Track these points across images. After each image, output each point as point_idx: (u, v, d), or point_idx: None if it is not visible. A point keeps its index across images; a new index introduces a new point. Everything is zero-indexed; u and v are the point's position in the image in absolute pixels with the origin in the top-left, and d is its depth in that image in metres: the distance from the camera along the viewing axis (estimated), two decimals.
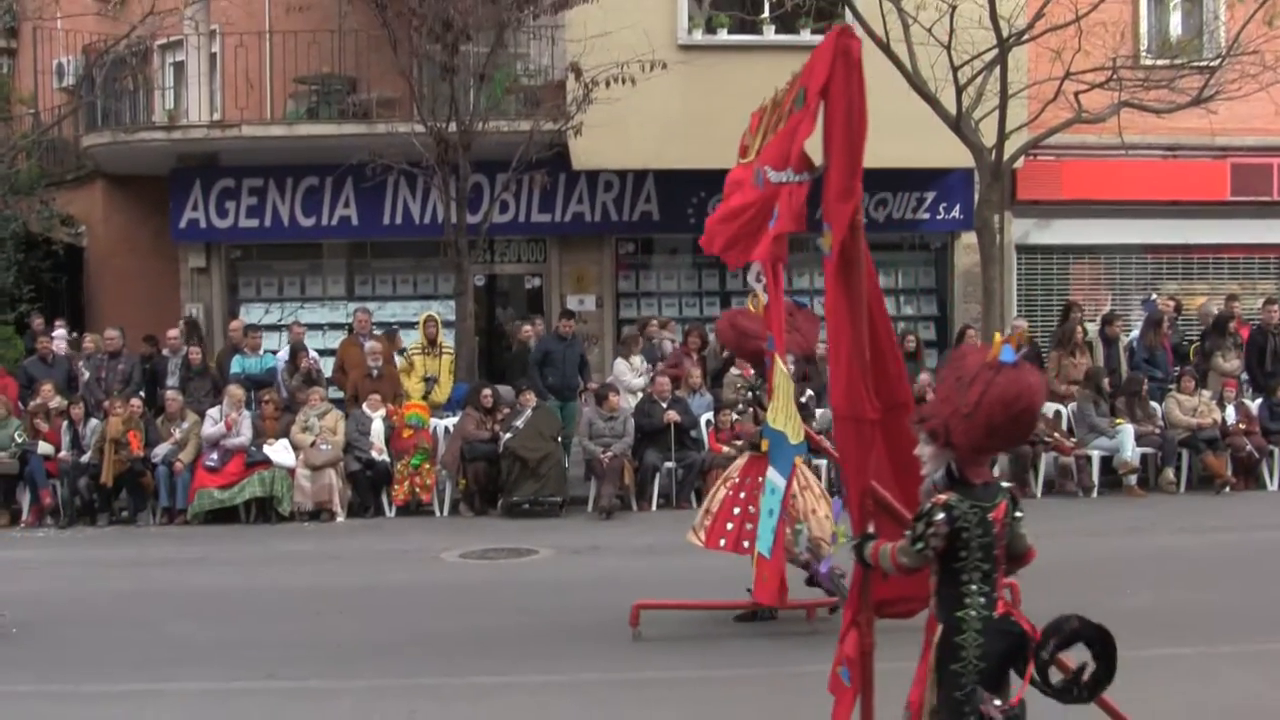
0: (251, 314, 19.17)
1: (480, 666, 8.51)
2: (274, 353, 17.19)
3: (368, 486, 14.93)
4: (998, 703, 5.11)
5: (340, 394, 16.14)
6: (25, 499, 14.93)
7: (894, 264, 19.90)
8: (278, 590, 11.32)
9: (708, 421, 15.41)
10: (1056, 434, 15.48)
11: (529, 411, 15.09)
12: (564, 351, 16.38)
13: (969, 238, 18.17)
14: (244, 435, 14.89)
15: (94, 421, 15.09)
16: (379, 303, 19.35)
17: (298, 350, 16.43)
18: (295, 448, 14.90)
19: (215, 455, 14.76)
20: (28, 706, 8.04)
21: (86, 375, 16.22)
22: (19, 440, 14.82)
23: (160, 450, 14.84)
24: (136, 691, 8.17)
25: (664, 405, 15.21)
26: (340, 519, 14.69)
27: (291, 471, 14.73)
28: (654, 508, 14.93)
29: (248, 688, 8.19)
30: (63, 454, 14.93)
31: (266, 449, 14.91)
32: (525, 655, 8.81)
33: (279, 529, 14.55)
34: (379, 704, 7.71)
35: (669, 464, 15.00)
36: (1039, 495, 15.15)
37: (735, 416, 14.43)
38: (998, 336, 5.33)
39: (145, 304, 19.04)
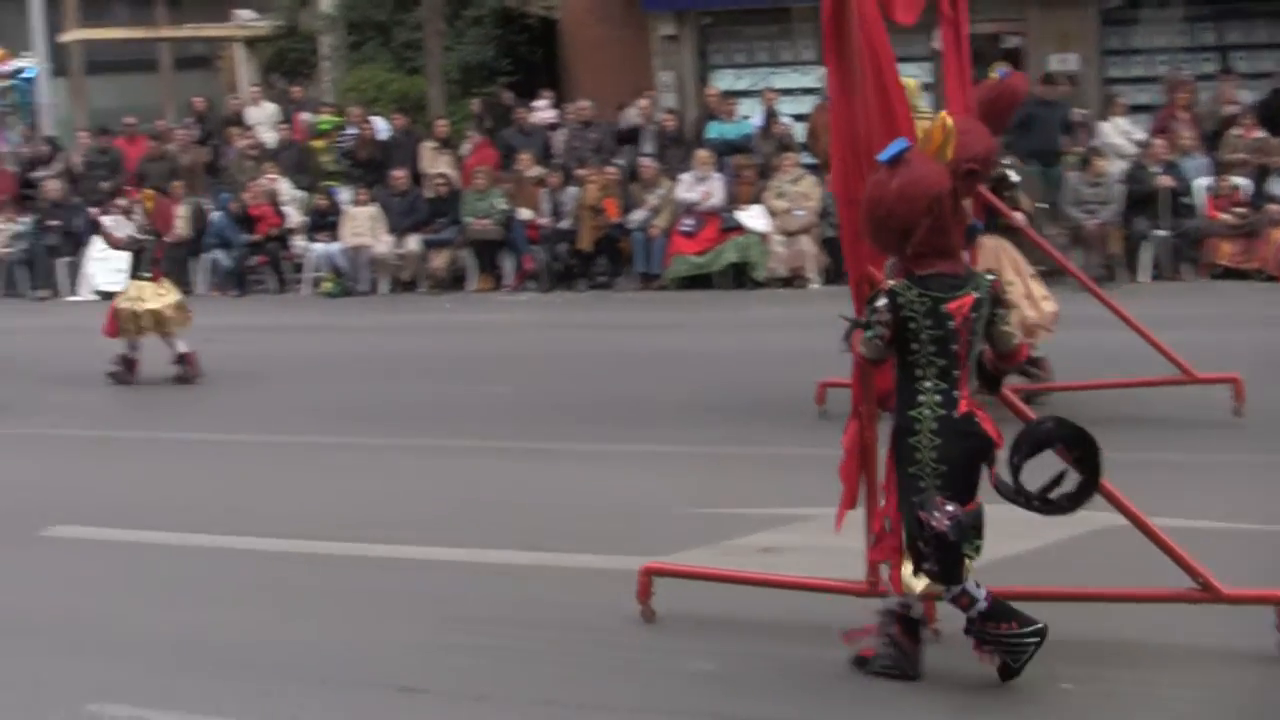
0: (722, 81, 20.89)
1: None
2: (748, 118, 19.11)
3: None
4: (950, 508, 5.35)
5: (814, 160, 18.00)
6: (508, 264, 17.74)
7: None
8: (747, 353, 12.91)
9: (1207, 187, 16.05)
10: None
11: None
12: (1046, 114, 17.05)
13: None
14: (718, 199, 17.22)
15: (572, 189, 17.64)
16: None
17: (772, 116, 18.41)
18: (770, 213, 17.05)
19: (690, 221, 17.02)
20: (510, 462, 9.78)
21: (563, 144, 18.92)
22: (501, 207, 17.58)
23: (636, 216, 17.19)
24: (602, 453, 9.74)
25: (1157, 170, 15.97)
26: (815, 285, 16.51)
27: (765, 237, 16.83)
28: (1146, 279, 15.91)
29: (693, 451, 9.46)
30: (543, 220, 17.61)
31: (741, 214, 17.11)
32: None
33: (753, 295, 16.48)
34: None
35: (1160, 232, 15.95)
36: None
37: (1234, 182, 15.11)
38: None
39: (617, 72, 21.45)
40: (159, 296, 13.21)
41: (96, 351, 13.57)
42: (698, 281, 16.93)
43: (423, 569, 7.46)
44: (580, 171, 17.71)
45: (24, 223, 19.80)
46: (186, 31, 27.03)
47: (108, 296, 18.21)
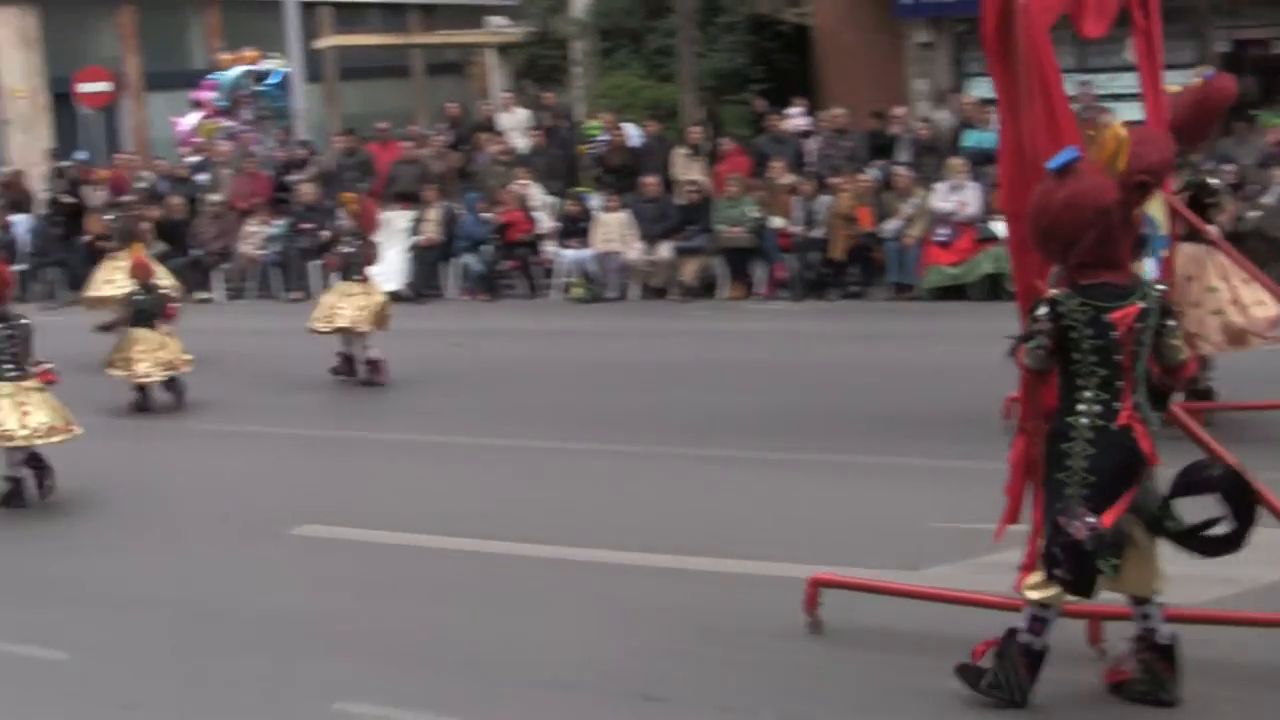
0: (978, 88, 20.70)
1: None
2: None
3: None
4: (1091, 519, 5.43)
5: None
6: (759, 272, 18.13)
7: None
8: (1001, 366, 13.35)
9: None
10: None
11: None
12: None
13: None
14: (973, 209, 17.27)
15: (824, 197, 17.88)
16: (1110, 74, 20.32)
17: None
18: None
19: (945, 230, 17.13)
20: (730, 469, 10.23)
21: (815, 152, 19.21)
22: (753, 215, 17.92)
23: (890, 225, 17.42)
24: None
25: None
26: None
27: None
28: None
29: (946, 466, 9.61)
30: (795, 228, 17.84)
31: (996, 225, 17.14)
32: None
33: (1008, 306, 16.68)
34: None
35: None
36: None
37: None
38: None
39: (871, 80, 21.71)
40: (367, 297, 14.01)
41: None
42: (951, 292, 17.13)
43: (670, 578, 7.77)
44: (833, 180, 18.05)
45: (278, 225, 20.82)
46: (439, 38, 28.25)
47: None
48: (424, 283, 19.97)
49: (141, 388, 13.34)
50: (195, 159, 23.37)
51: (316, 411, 13.34)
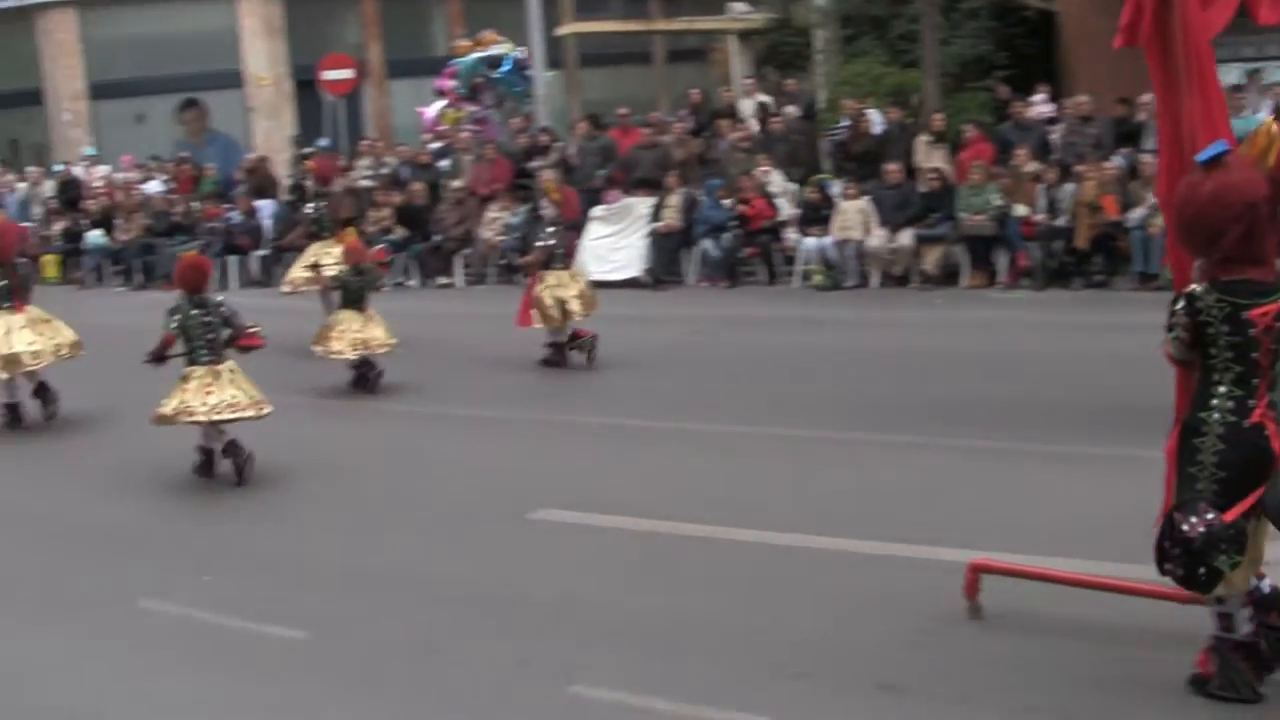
0: (1229, 75, 20.37)
1: None
2: (1256, 114, 18.97)
3: None
4: (1210, 516, 5.55)
5: None
6: (1002, 260, 18.48)
7: None
8: None
9: None
10: None
11: None
12: None
13: None
14: None
15: (1068, 185, 18.15)
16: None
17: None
18: None
19: None
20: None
21: (1060, 139, 19.50)
22: (996, 203, 18.35)
23: (1135, 214, 17.51)
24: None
25: None
26: None
27: None
28: None
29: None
30: (1038, 217, 18.22)
31: None
32: None
33: None
34: None
35: None
36: None
37: None
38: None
39: (1117, 66, 21.70)
40: (574, 283, 14.75)
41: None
42: None
43: (906, 567, 7.88)
44: (1078, 167, 18.34)
45: (518, 212, 21.45)
46: (680, 24, 28.78)
47: (599, 285, 20.14)
48: (664, 269, 20.66)
49: (356, 367, 14.13)
50: (437, 145, 24.29)
51: (550, 396, 13.82)
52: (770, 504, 9.49)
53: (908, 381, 13.24)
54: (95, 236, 25.63)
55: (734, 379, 13.93)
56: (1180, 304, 5.70)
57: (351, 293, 14.23)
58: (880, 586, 7.63)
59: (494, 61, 24.51)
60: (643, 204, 21.19)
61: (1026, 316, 16.81)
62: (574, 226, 15.11)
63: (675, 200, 20.71)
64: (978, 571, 7.01)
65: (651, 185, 21.33)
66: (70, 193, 27.41)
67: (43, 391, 13.49)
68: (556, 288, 14.62)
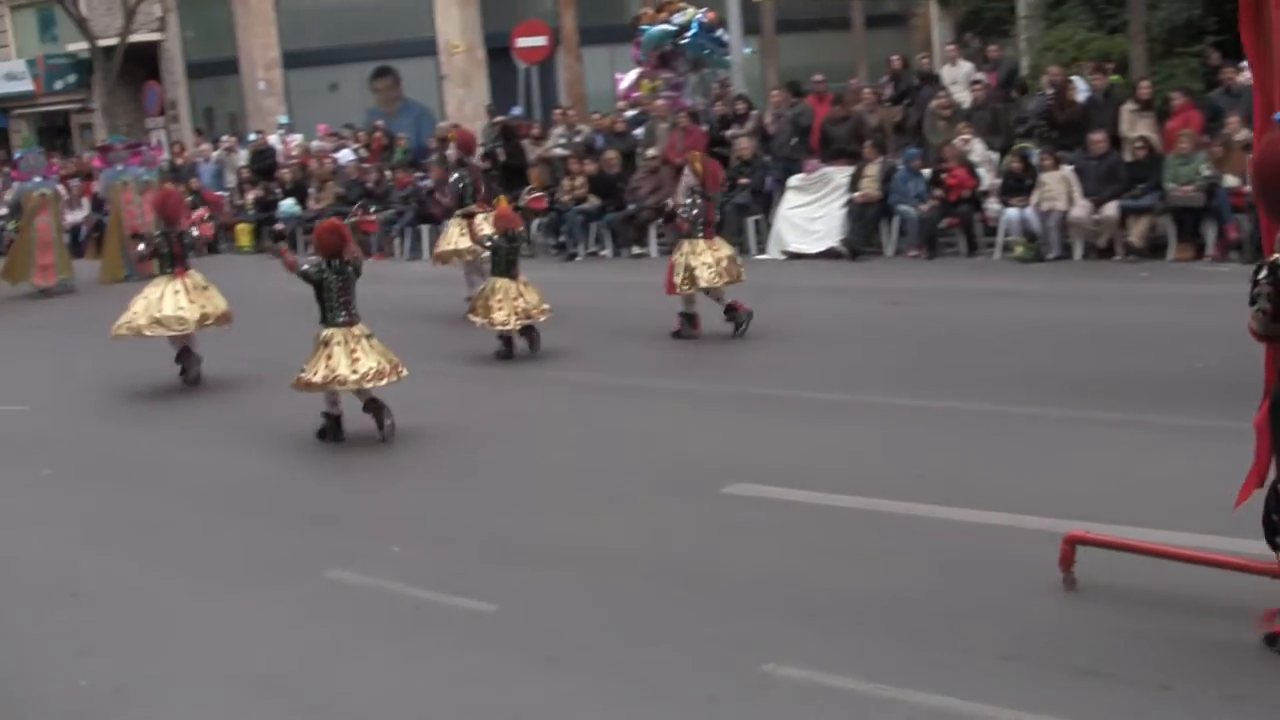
0: None
1: None
2: None
3: None
4: None
5: None
6: (1210, 232, 18.46)
7: None
8: None
9: None
10: None
11: None
12: None
13: None
14: None
15: None
16: None
17: None
18: None
19: None
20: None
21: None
22: (1205, 173, 18.36)
23: None
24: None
25: None
26: None
27: None
28: None
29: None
30: (1248, 187, 18.26)
31: None
32: None
33: None
34: None
35: None
36: None
37: None
38: None
39: None
40: (713, 253, 15.10)
41: (780, 313, 15.65)
42: None
43: (1114, 556, 7.52)
44: None
45: None
46: None
47: (795, 257, 20.65)
48: (862, 240, 20.96)
49: (505, 337, 14.71)
50: (632, 113, 24.85)
51: (729, 368, 14.01)
52: (969, 480, 9.53)
53: (1109, 356, 13.23)
54: (288, 205, 26.57)
55: (933, 352, 13.98)
56: (1262, 273, 5.67)
57: (502, 258, 14.72)
58: (1090, 570, 7.42)
59: (680, 29, 24.79)
60: (840, 173, 21.48)
61: (1234, 290, 16.37)
62: (706, 197, 15.33)
63: (873, 169, 20.99)
64: (1073, 544, 7.19)
65: (849, 154, 21.62)
66: (264, 161, 28.59)
67: (185, 356, 14.73)
68: (690, 255, 15.09)
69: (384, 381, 11.53)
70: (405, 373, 11.66)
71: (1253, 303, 5.77)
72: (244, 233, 27.33)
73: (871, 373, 13.21)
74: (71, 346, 18.24)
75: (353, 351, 11.40)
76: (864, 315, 16.45)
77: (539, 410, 12.85)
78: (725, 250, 15.48)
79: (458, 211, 17.69)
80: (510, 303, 14.50)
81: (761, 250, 21.82)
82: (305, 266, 11.58)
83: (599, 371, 14.23)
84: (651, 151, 23.24)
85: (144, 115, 37.12)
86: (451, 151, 19.56)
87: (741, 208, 21.90)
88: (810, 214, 21.62)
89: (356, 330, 11.56)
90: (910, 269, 19.82)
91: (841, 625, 7.16)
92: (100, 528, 10.10)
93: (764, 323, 15.38)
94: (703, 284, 15.09)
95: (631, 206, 22.83)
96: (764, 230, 22.11)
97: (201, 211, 16.67)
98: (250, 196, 27.75)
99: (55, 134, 41.82)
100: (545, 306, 14.73)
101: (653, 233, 22.63)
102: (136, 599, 8.52)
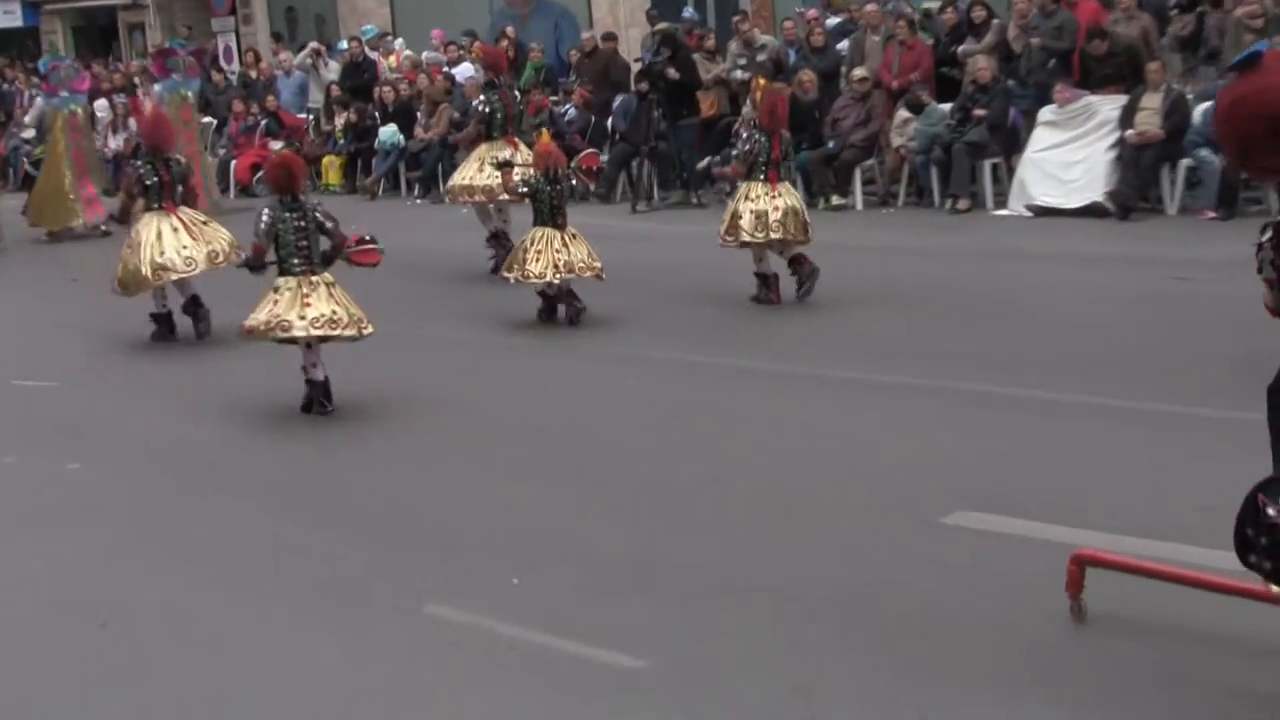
0: None
1: None
2: None
3: None
4: None
5: None
6: None
7: None
8: None
9: None
10: None
11: None
12: None
13: None
14: None
15: None
16: None
17: None
18: None
19: None
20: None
21: None
22: None
23: None
24: None
25: None
26: None
27: None
28: None
29: None
30: None
31: None
32: None
33: None
34: None
35: None
36: None
37: None
38: None
39: None
40: (770, 200, 14.77)
41: (1021, 284, 15.43)
42: None
43: None
44: None
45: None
46: None
47: (1045, 213, 19.55)
48: (1135, 193, 19.22)
49: (545, 295, 14.72)
50: (834, 21, 23.76)
51: (975, 359, 12.95)
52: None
53: None
54: (389, 134, 26.03)
55: (1238, 344, 12.26)
56: (1264, 237, 5.79)
57: (545, 204, 14.63)
58: None
59: None
60: (1108, 104, 19.70)
61: None
62: (769, 133, 14.94)
63: (1154, 101, 19.03)
64: (1081, 564, 7.30)
65: (1121, 80, 19.75)
66: (359, 78, 28.03)
67: (195, 306, 15.06)
68: (756, 201, 14.84)
69: (336, 331, 11.82)
70: (370, 330, 12.04)
71: (1259, 271, 5.89)
72: (333, 168, 26.71)
73: (1147, 369, 12.23)
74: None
75: (305, 297, 11.75)
76: (1140, 292, 15.29)
77: (707, 404, 12.12)
78: (789, 200, 15.15)
79: (489, 158, 17.27)
80: (551, 253, 14.45)
81: (1001, 204, 20.27)
82: (262, 226, 11.91)
83: (719, 353, 13.61)
84: (860, 72, 21.74)
85: (210, 14, 36.62)
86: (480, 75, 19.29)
87: (975, 148, 20.27)
88: (1067, 158, 20.01)
89: (315, 278, 11.89)
90: (1202, 233, 18.01)
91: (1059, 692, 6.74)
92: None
93: (1002, 298, 14.97)
94: (744, 236, 14.93)
95: (831, 144, 21.45)
96: (1005, 178, 20.54)
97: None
98: (340, 121, 27.22)
99: (98, 36, 41.66)
100: (597, 265, 14.66)
101: (858, 177, 21.37)
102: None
